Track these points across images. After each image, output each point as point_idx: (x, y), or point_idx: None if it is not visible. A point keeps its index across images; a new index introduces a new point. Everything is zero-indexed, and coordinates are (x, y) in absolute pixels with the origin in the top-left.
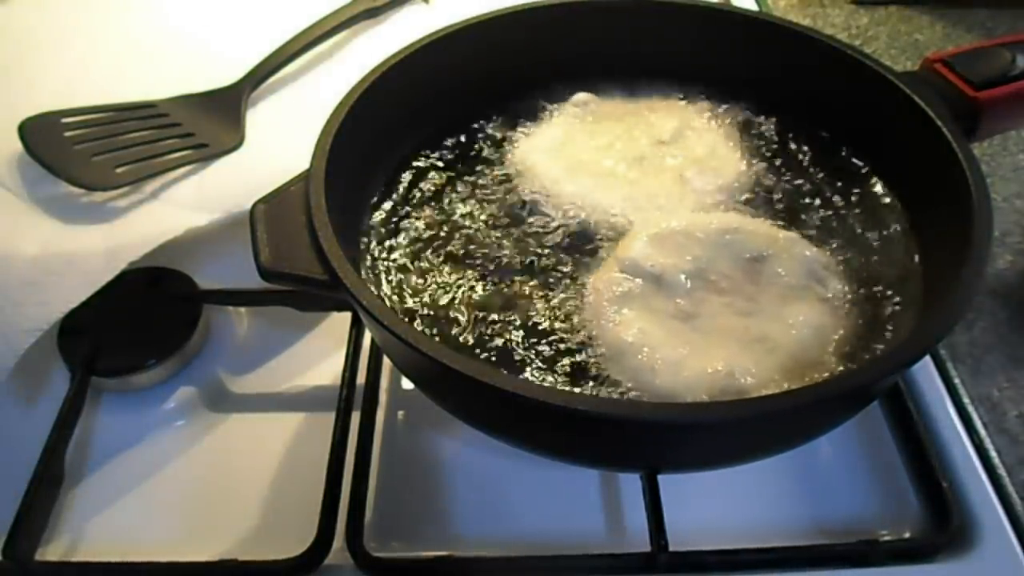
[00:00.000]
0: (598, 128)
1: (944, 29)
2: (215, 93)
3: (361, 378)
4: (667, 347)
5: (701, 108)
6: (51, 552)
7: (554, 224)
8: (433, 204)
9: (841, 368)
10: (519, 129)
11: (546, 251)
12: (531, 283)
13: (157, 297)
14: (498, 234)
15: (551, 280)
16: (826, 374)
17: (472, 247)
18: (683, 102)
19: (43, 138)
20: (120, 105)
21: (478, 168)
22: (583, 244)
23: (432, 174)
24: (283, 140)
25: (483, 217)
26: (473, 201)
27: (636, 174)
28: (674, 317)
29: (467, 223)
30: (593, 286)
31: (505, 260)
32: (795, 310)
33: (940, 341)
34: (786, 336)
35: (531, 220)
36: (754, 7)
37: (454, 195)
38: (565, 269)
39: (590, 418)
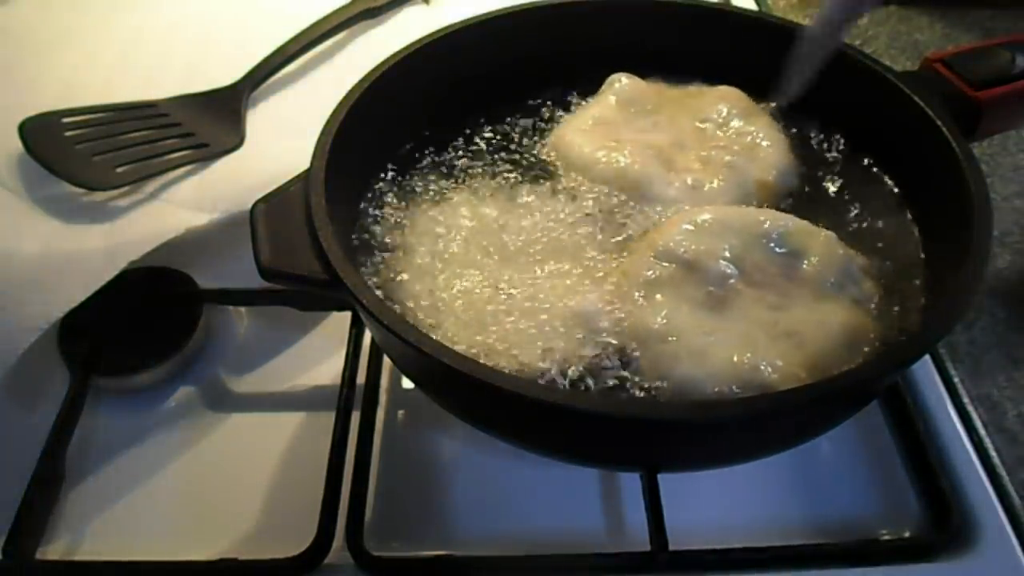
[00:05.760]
0: (631, 113)
1: (944, 29)
2: (215, 93)
3: (361, 378)
4: (693, 335)
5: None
6: (51, 551)
7: (582, 211)
8: (436, 201)
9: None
10: (531, 122)
11: (572, 236)
12: (555, 268)
13: (157, 297)
14: (509, 226)
15: (577, 266)
16: None
17: (479, 240)
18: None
19: (43, 138)
20: (120, 105)
21: (481, 163)
22: (616, 229)
23: (434, 172)
24: (283, 140)
25: (490, 210)
26: (477, 195)
27: (674, 160)
28: (703, 305)
29: (473, 216)
30: (623, 270)
31: (522, 249)
32: (827, 308)
33: (939, 341)
34: (816, 333)
35: (549, 207)
36: (753, 7)
37: (456, 192)
38: (593, 254)
39: (590, 418)
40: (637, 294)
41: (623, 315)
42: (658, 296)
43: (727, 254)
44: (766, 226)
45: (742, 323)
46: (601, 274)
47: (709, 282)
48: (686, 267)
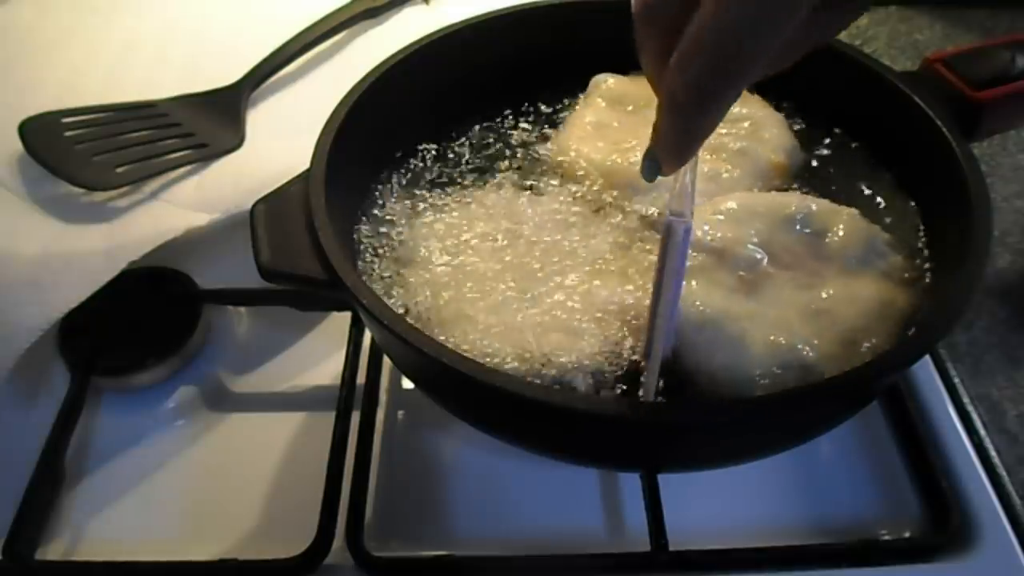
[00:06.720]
0: (625, 112)
1: (944, 29)
2: (215, 93)
3: (361, 378)
4: (729, 321)
5: None
6: (51, 552)
7: (598, 213)
8: (437, 201)
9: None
10: (533, 122)
11: (590, 236)
12: (569, 265)
13: (157, 297)
14: (513, 227)
15: (596, 265)
16: (886, 347)
17: (482, 240)
18: None
19: (43, 138)
20: (120, 105)
21: (483, 164)
22: (638, 224)
23: (435, 172)
24: (283, 140)
25: (493, 210)
26: (478, 194)
27: None
28: (736, 291)
29: (474, 216)
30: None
31: (529, 249)
32: (857, 283)
33: (939, 341)
34: (848, 309)
35: (557, 207)
36: None
37: (458, 192)
38: (610, 255)
39: (590, 418)
40: None
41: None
42: (692, 283)
43: (755, 239)
44: (791, 209)
45: (775, 305)
46: (632, 270)
47: (739, 267)
48: (716, 255)
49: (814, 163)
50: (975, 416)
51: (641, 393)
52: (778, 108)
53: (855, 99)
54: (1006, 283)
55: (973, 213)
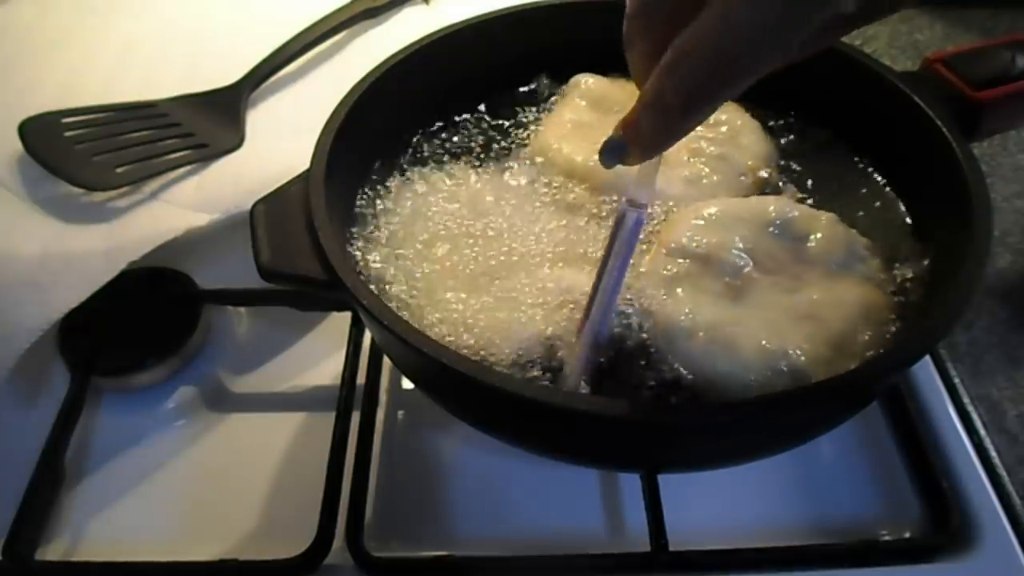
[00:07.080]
0: (604, 113)
1: (944, 29)
2: (215, 93)
3: (361, 378)
4: (719, 327)
5: None
6: (51, 552)
7: (586, 214)
8: (437, 202)
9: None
10: (528, 122)
11: (581, 239)
12: (567, 268)
13: (157, 297)
14: (512, 227)
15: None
16: (876, 349)
17: (482, 241)
18: None
19: (43, 138)
20: (120, 105)
21: (483, 165)
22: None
23: (435, 172)
24: (283, 140)
25: (492, 211)
26: (478, 196)
27: (665, 157)
28: (724, 296)
29: (474, 217)
30: (639, 270)
31: (529, 253)
32: (841, 287)
33: (939, 341)
34: (835, 312)
35: (553, 209)
36: None
37: (458, 192)
38: (587, 247)
39: (590, 418)
40: (658, 293)
41: (647, 315)
42: (679, 291)
43: (739, 244)
44: (772, 214)
45: (763, 310)
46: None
47: (725, 273)
48: (701, 261)
49: (812, 163)
50: (975, 416)
51: (566, 371)
52: (776, 107)
53: (854, 99)
54: (1006, 283)
55: (973, 213)
